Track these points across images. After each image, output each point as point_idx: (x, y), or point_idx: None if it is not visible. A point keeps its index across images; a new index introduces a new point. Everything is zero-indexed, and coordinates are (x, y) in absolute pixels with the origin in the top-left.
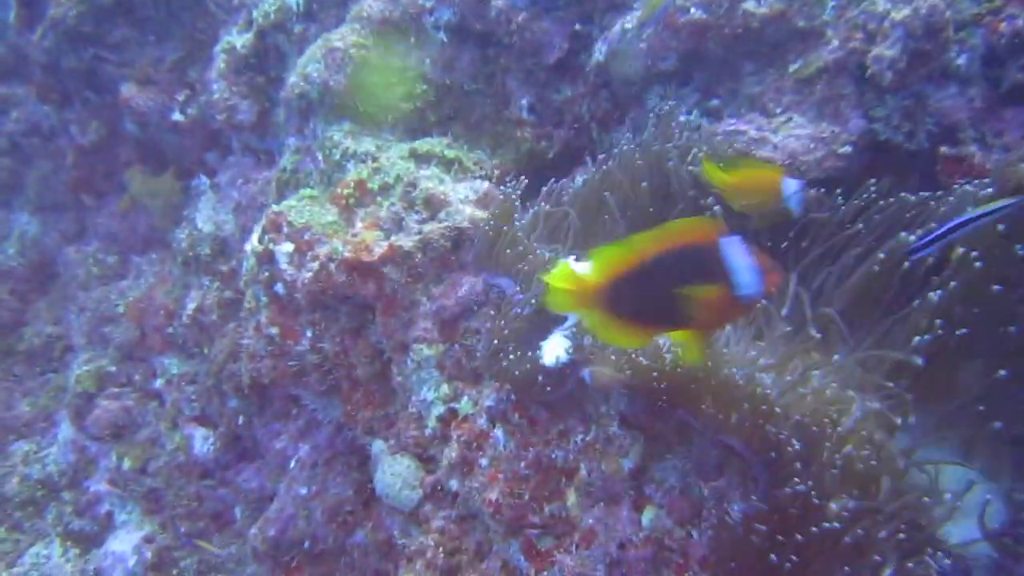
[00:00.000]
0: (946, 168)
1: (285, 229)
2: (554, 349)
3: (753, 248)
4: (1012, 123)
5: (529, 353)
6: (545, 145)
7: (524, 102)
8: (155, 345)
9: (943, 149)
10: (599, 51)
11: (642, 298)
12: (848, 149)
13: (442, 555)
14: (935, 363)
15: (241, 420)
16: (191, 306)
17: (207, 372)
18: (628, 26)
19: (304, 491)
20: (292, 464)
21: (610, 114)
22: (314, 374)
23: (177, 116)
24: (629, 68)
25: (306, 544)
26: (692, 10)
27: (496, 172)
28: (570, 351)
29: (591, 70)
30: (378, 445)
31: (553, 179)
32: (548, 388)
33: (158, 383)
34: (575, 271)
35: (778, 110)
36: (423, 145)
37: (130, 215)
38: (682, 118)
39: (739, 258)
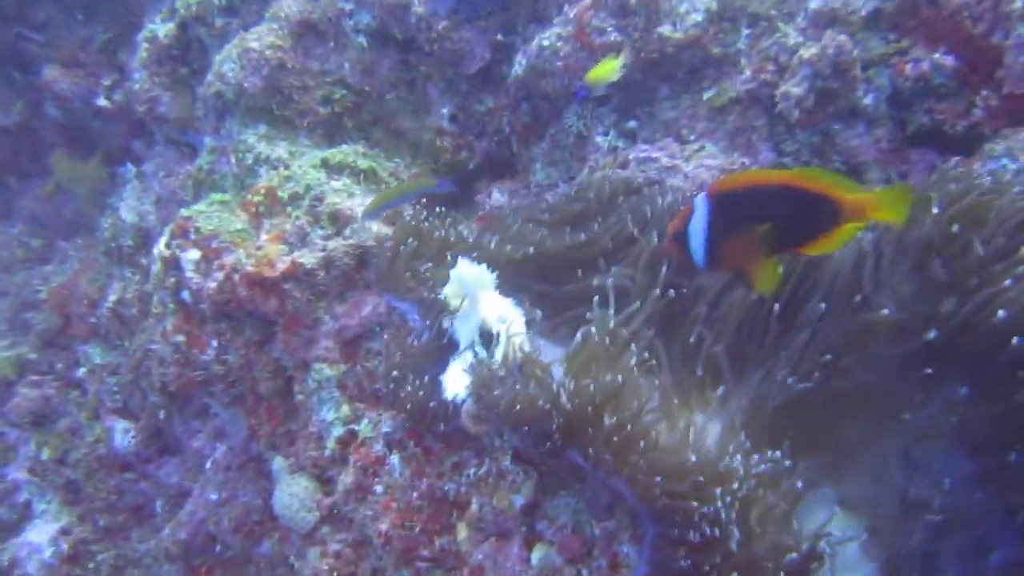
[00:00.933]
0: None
1: (192, 236)
2: (456, 383)
3: None
4: (917, 165)
5: (426, 380)
6: (465, 156)
7: (445, 111)
8: (79, 333)
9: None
10: (519, 64)
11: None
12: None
13: None
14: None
15: (162, 415)
16: (112, 298)
17: (127, 366)
18: (546, 43)
19: (215, 496)
20: (208, 465)
21: (530, 128)
22: (219, 385)
23: (102, 102)
24: (547, 85)
25: (216, 548)
26: (609, 31)
27: None
28: (468, 388)
29: (512, 83)
30: (278, 462)
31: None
32: (441, 422)
33: (80, 372)
34: None
35: (692, 137)
36: (336, 155)
37: (56, 199)
38: (598, 138)
39: None
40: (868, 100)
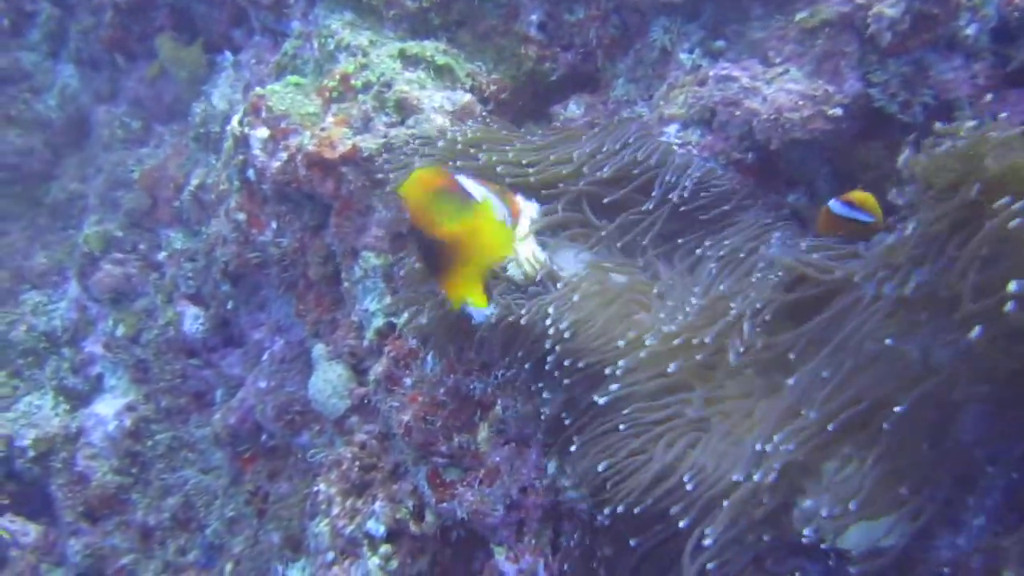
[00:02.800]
0: None
1: (264, 114)
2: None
3: None
4: (1015, 107)
5: None
6: (549, 67)
7: (534, 18)
8: (163, 216)
9: (937, 126)
10: None
11: None
12: (838, 112)
13: (357, 469)
14: None
15: (230, 305)
16: (194, 182)
17: (201, 251)
18: None
19: (263, 384)
20: (264, 357)
21: (617, 41)
22: (274, 268)
23: None
24: None
25: (262, 438)
26: None
27: (492, 88)
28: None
29: None
30: (318, 349)
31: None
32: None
33: (161, 255)
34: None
35: (778, 59)
36: (413, 47)
37: (158, 82)
38: (682, 56)
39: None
40: (970, 30)
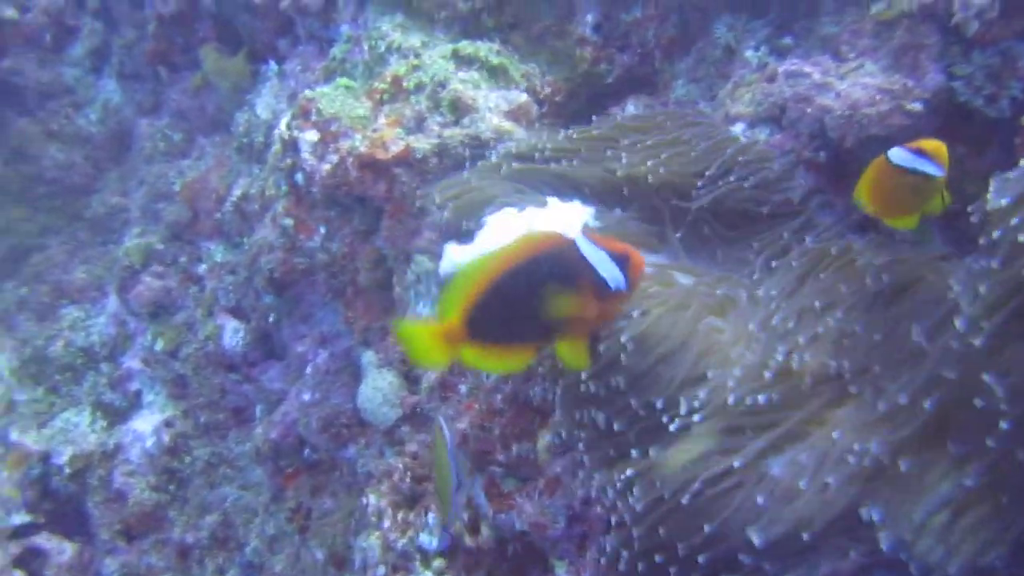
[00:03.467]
0: None
1: (313, 116)
2: None
3: (603, 240)
4: None
5: None
6: (605, 68)
7: (589, 18)
8: (204, 229)
9: None
10: None
11: (505, 320)
12: (918, 106)
13: (409, 480)
14: None
15: (272, 318)
16: (237, 192)
17: (243, 263)
18: None
19: (308, 397)
20: (308, 370)
21: (676, 41)
22: (322, 274)
23: None
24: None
25: (305, 452)
26: None
27: (547, 89)
28: None
29: None
30: (368, 356)
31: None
32: None
33: (201, 268)
34: (425, 323)
35: (851, 55)
36: (467, 47)
37: (201, 93)
38: (748, 53)
39: (595, 252)
40: None
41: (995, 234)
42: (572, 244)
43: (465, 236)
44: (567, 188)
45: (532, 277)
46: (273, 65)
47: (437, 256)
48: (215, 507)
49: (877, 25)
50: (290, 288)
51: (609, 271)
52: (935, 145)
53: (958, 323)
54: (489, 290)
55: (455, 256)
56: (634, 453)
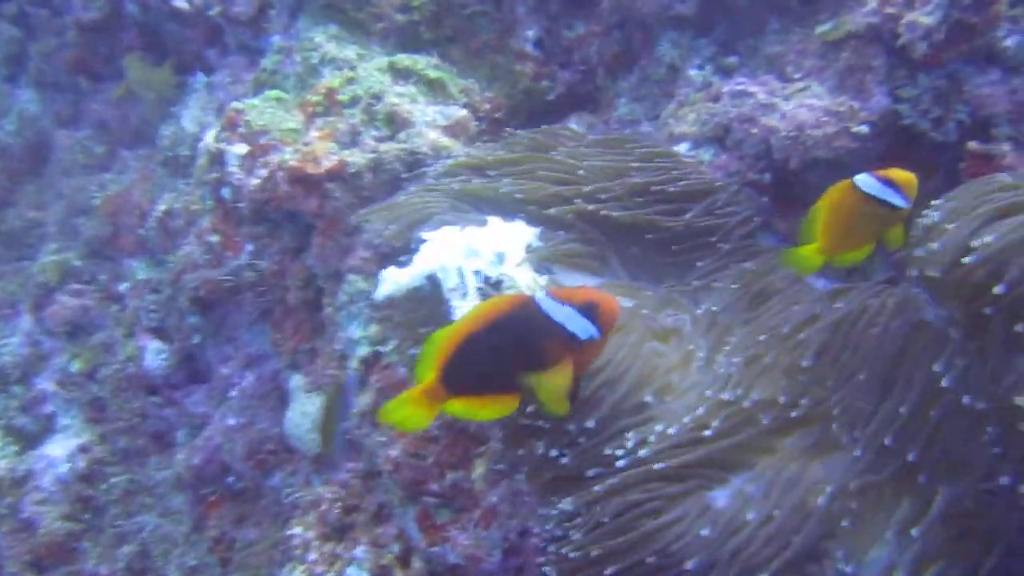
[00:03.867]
0: (971, 167)
1: (241, 129)
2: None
3: (567, 293)
4: None
5: None
6: (546, 85)
7: (531, 34)
8: (126, 245)
9: (972, 145)
10: None
11: (480, 375)
12: (864, 129)
13: (338, 510)
14: None
15: (196, 339)
16: (161, 207)
17: (167, 281)
18: None
19: (232, 421)
20: (233, 393)
21: (620, 58)
22: (249, 293)
23: (180, 3)
24: (644, 6)
25: (229, 479)
26: None
27: (486, 106)
28: None
29: (606, 6)
30: (296, 380)
31: None
32: None
33: (122, 286)
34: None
35: (797, 75)
36: (404, 59)
37: (124, 104)
38: (692, 72)
39: (560, 309)
40: (1009, 42)
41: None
42: (533, 305)
43: (403, 256)
44: (509, 207)
45: (498, 341)
46: (201, 76)
47: (371, 276)
48: (132, 537)
49: (823, 45)
50: (216, 308)
51: (577, 324)
52: (906, 177)
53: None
54: (460, 347)
55: (395, 278)
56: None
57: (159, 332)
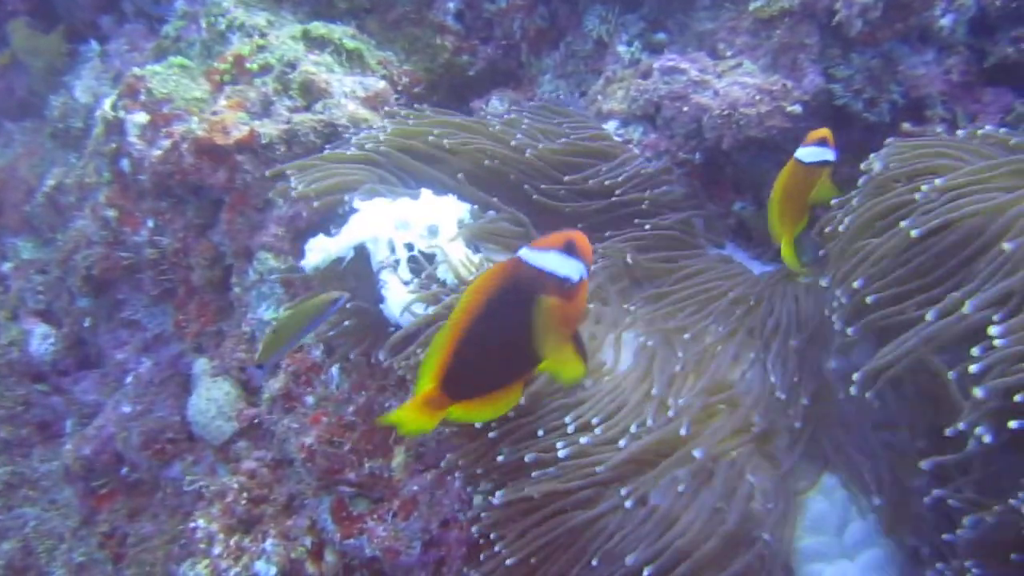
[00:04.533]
0: None
1: (143, 97)
2: (399, 298)
3: (543, 240)
4: (990, 107)
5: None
6: (467, 60)
7: (451, 6)
8: (11, 223)
9: (905, 126)
10: None
11: (480, 372)
12: (798, 108)
13: (244, 502)
14: None
15: (87, 323)
16: (50, 182)
17: (56, 261)
18: None
19: (128, 409)
20: (129, 379)
21: (544, 34)
22: (149, 272)
23: None
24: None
25: (123, 470)
26: None
27: (405, 79)
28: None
29: None
30: (200, 364)
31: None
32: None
33: (6, 266)
34: (405, 404)
35: (729, 52)
36: (320, 28)
37: (8, 73)
38: (620, 48)
39: (545, 256)
40: (945, 21)
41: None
42: (520, 262)
43: (333, 224)
44: (439, 178)
45: (495, 322)
46: (95, 44)
47: (283, 253)
48: (14, 532)
49: (755, 23)
50: (110, 288)
51: (565, 266)
52: (825, 132)
53: None
54: (456, 351)
55: (324, 246)
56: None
57: (46, 315)
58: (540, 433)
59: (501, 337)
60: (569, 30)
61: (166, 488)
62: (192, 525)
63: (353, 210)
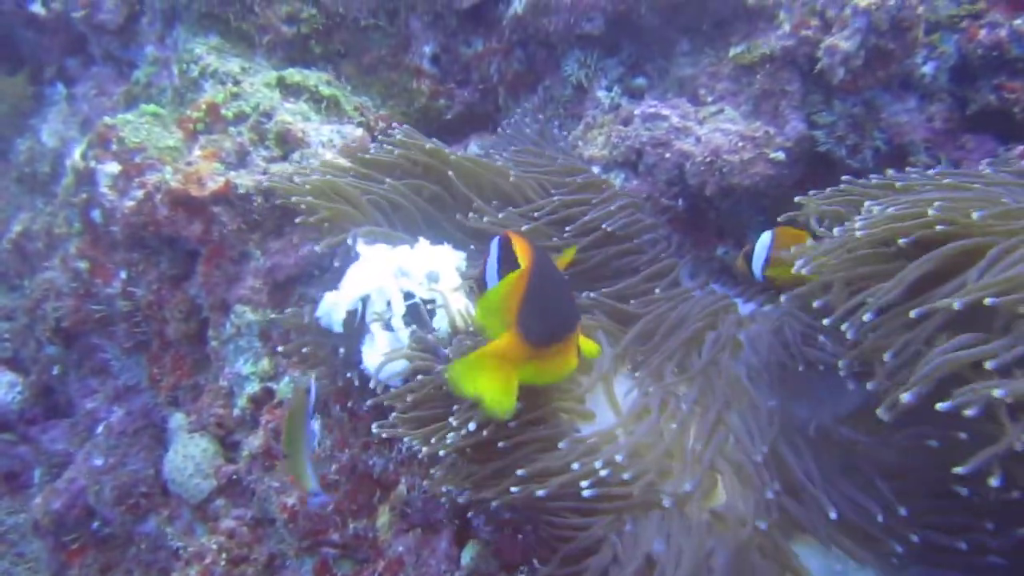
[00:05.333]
0: None
1: (114, 146)
2: (377, 353)
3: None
4: (974, 153)
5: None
6: (444, 104)
7: (427, 50)
8: None
9: (889, 172)
10: (518, 1)
11: (547, 314)
12: (781, 155)
13: (224, 562)
14: None
15: (56, 370)
16: (16, 228)
17: (23, 308)
18: None
19: (99, 462)
20: (99, 430)
21: (522, 78)
22: (122, 324)
23: (37, 8)
24: (549, 24)
25: (94, 525)
26: None
27: (382, 124)
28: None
29: (508, 23)
30: (177, 419)
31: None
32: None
33: None
34: (475, 353)
35: (710, 98)
36: (295, 75)
37: None
38: (600, 93)
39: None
40: (927, 69)
41: None
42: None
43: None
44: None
45: (549, 274)
46: (61, 88)
47: (261, 307)
48: None
49: (736, 69)
50: (80, 338)
51: None
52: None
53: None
54: (528, 291)
55: (334, 300)
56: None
57: (13, 363)
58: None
59: (556, 289)
60: (547, 74)
61: (140, 543)
62: None
63: (356, 256)
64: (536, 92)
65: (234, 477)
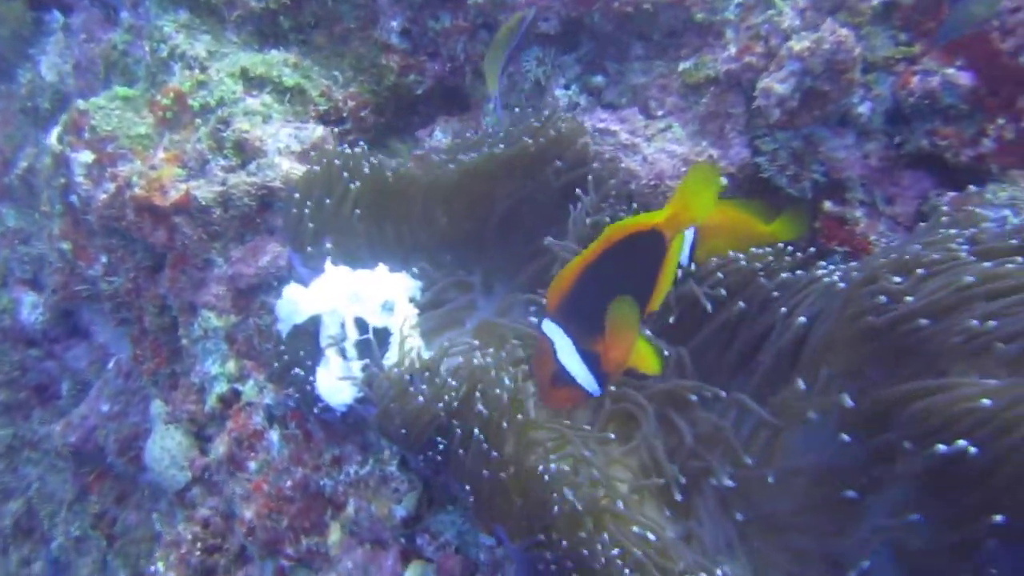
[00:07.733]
0: (826, 227)
1: (86, 134)
2: (331, 378)
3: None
4: (907, 191)
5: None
6: (414, 79)
7: (395, 24)
8: None
9: (827, 204)
10: None
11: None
12: (724, 181)
13: (199, 552)
14: None
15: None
16: (22, 164)
17: (37, 235)
18: None
19: (105, 408)
20: (109, 365)
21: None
22: (107, 303)
23: None
24: (505, 20)
25: (108, 459)
26: None
27: (350, 103)
28: (357, 391)
29: (472, 4)
30: (157, 406)
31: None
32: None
33: None
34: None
35: (659, 112)
36: (258, 65)
37: None
38: (558, 91)
39: None
40: (863, 109)
41: None
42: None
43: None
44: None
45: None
46: (58, 15)
47: (225, 313)
48: (19, 493)
49: (685, 86)
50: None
51: None
52: None
53: None
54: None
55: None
56: None
57: (34, 285)
58: None
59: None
60: (512, 59)
61: (144, 490)
62: (152, 569)
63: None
64: (501, 76)
65: (206, 473)
